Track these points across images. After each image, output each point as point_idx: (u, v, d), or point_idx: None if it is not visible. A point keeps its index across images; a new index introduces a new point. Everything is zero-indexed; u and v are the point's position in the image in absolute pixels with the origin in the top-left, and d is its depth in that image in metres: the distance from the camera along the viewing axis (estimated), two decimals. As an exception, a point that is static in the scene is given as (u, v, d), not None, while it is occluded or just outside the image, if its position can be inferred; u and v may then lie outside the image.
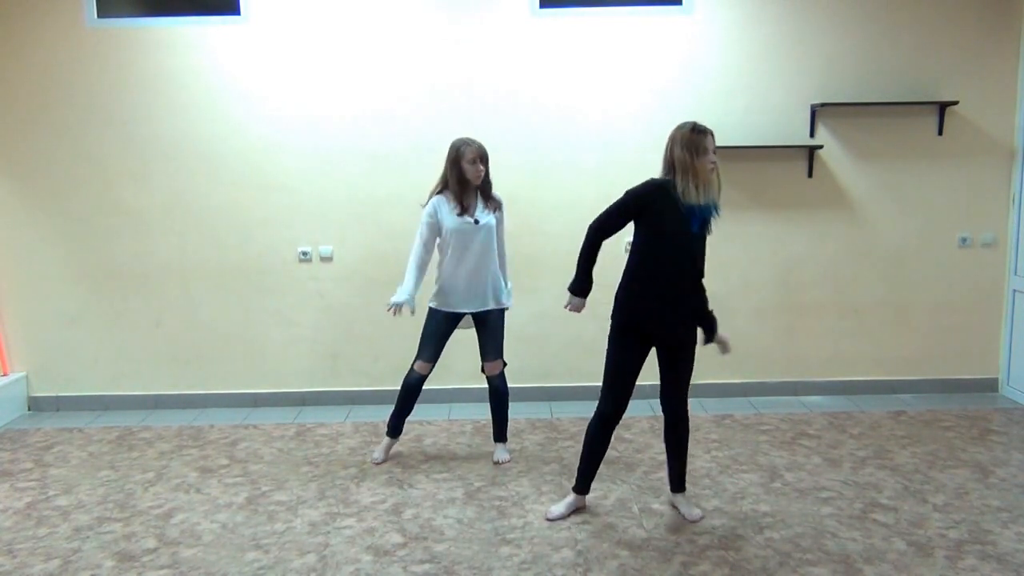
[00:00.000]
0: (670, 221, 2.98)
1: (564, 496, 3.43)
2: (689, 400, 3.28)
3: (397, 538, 3.13)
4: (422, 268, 3.71)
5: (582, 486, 3.32)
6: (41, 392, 4.87)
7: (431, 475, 3.75)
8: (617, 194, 3.10)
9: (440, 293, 3.75)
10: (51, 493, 3.62)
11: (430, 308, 3.78)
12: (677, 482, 3.32)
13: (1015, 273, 4.79)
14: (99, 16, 4.54)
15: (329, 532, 3.19)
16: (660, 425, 4.32)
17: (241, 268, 4.75)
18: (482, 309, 3.75)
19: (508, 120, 4.65)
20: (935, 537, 3.06)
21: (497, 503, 3.43)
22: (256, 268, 4.77)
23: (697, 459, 3.87)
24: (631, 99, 4.63)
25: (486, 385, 3.88)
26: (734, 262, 4.80)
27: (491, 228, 3.70)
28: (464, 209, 3.65)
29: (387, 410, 4.67)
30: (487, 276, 3.72)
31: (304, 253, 4.74)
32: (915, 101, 4.62)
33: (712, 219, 3.06)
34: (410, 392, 3.83)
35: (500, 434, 3.94)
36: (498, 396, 3.88)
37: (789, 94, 4.66)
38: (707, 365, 4.86)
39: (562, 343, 4.83)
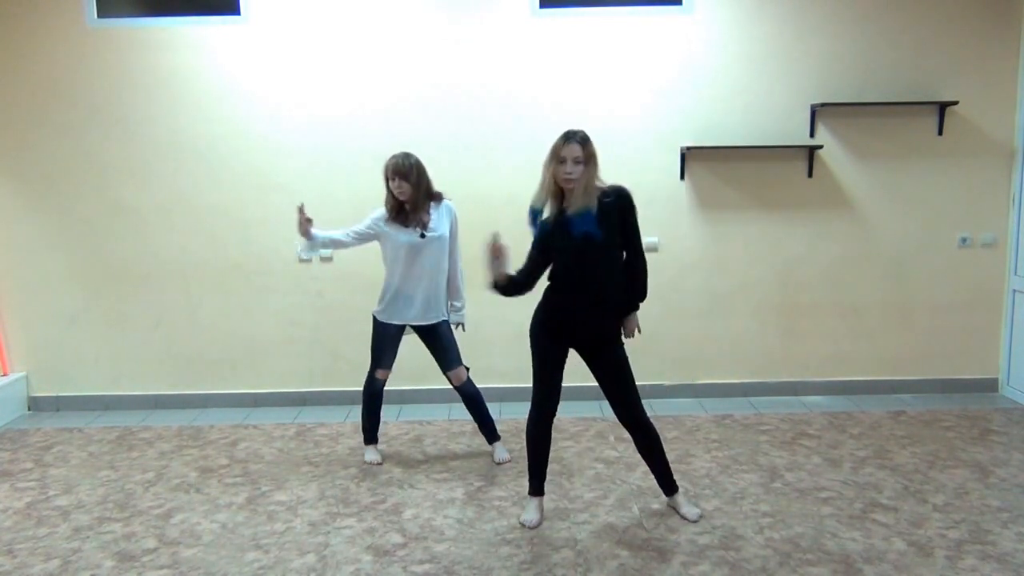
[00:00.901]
0: (556, 238, 3.01)
1: (565, 496, 3.44)
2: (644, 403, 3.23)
3: (397, 538, 3.13)
4: (335, 241, 3.69)
5: (539, 487, 3.26)
6: (41, 392, 4.87)
7: (431, 475, 3.75)
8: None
9: (388, 305, 3.72)
10: (51, 493, 3.62)
11: (377, 320, 3.76)
12: (667, 485, 3.29)
13: (1015, 273, 4.79)
14: (99, 16, 4.54)
15: (329, 532, 3.19)
16: (660, 425, 4.32)
17: (241, 268, 4.75)
18: (426, 322, 3.73)
19: (508, 120, 4.65)
20: (935, 537, 3.06)
21: (497, 503, 3.43)
22: (256, 268, 4.77)
23: (697, 459, 3.87)
24: (631, 99, 4.63)
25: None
26: (734, 262, 4.80)
27: (443, 240, 3.66)
28: (408, 222, 3.62)
29: (387, 410, 4.67)
30: (434, 289, 3.69)
31: (304, 253, 4.74)
32: (915, 101, 4.62)
33: (592, 230, 2.95)
34: (376, 398, 3.89)
35: (491, 435, 3.93)
36: (473, 401, 3.85)
37: (789, 94, 4.66)
38: (707, 365, 4.89)
39: (562, 343, 4.82)
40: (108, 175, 4.66)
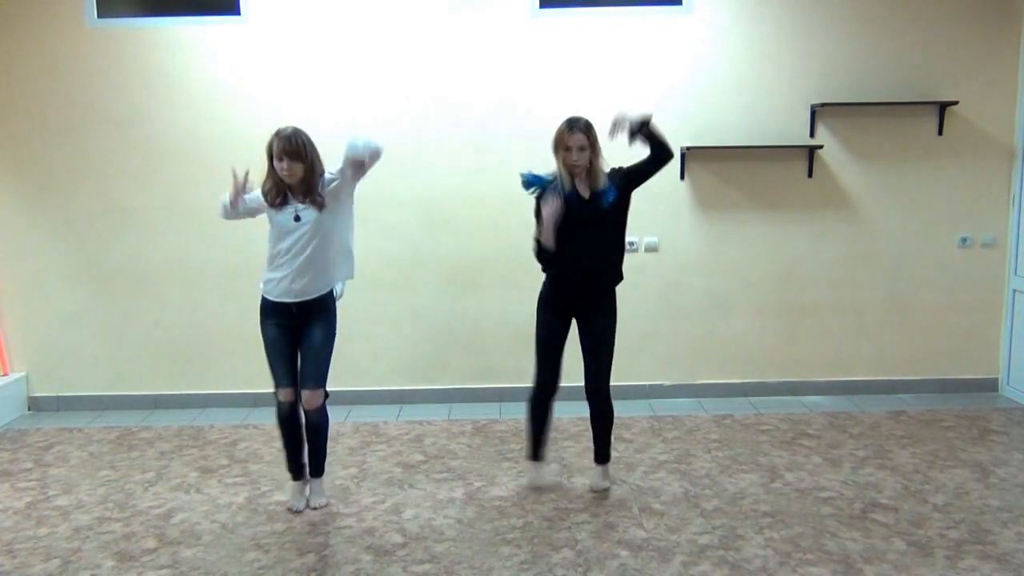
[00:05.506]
0: (577, 211, 3.23)
1: (564, 496, 3.45)
2: (612, 388, 3.44)
3: (397, 538, 3.13)
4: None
5: (536, 452, 3.54)
6: (41, 392, 4.87)
7: (431, 475, 3.75)
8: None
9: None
10: (51, 493, 3.62)
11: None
12: (600, 455, 3.53)
13: (1015, 273, 4.79)
14: (99, 16, 4.54)
15: (329, 532, 3.19)
16: (660, 425, 4.33)
17: (241, 268, 4.75)
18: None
19: (507, 120, 4.64)
20: (935, 537, 3.06)
21: (497, 503, 3.43)
22: (256, 268, 4.75)
23: (697, 459, 3.87)
24: (631, 99, 4.62)
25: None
26: (734, 262, 4.80)
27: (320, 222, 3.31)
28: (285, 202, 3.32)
29: (387, 410, 4.71)
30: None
31: (304, 253, 4.73)
32: (915, 101, 4.62)
33: (608, 203, 3.24)
34: (285, 425, 3.42)
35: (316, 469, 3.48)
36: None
37: (789, 94, 4.66)
38: (707, 365, 4.89)
39: (562, 343, 4.81)
40: (108, 175, 4.66)
